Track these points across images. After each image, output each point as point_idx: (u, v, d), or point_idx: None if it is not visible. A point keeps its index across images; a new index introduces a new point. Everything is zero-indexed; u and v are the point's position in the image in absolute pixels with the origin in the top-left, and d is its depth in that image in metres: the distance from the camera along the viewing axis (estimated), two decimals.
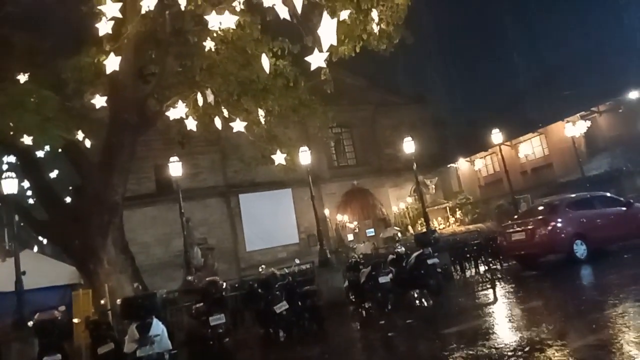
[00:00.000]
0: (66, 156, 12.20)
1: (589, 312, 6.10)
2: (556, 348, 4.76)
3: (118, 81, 9.32)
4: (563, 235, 10.63)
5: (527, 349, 4.84)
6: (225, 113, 9.02)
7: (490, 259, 12.99)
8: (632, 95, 18.91)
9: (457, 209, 26.76)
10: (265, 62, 6.42)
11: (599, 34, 27.27)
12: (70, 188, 15.69)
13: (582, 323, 5.66)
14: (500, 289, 9.56)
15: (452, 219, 26.43)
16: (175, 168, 11.95)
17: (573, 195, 12.13)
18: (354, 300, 10.44)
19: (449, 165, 29.06)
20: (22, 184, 13.91)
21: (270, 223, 24.46)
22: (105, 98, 8.14)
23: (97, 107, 8.13)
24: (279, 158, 10.12)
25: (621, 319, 5.46)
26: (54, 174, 17.37)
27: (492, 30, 36.06)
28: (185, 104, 8.58)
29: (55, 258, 16.83)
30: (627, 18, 26.15)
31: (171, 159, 11.97)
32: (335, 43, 5.03)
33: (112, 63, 6.43)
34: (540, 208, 11.95)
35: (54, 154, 12.84)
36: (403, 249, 10.63)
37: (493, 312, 7.51)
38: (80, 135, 9.59)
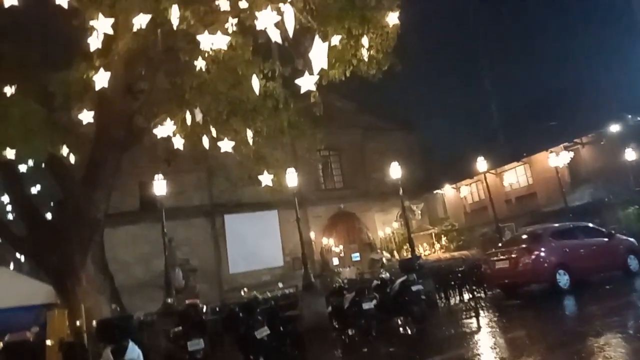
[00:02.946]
0: (49, 171, 11.98)
1: (572, 343, 6.08)
2: None
3: (106, 97, 9.24)
4: (546, 264, 10.68)
5: None
6: (214, 132, 8.97)
7: (474, 287, 12.96)
8: (613, 128, 19.40)
9: (442, 236, 26.82)
10: (256, 83, 6.45)
11: (582, 68, 28.15)
12: (52, 203, 15.39)
13: (565, 354, 5.63)
14: (484, 318, 9.51)
15: (437, 245, 26.44)
16: (160, 186, 11.80)
17: (556, 225, 12.25)
18: (337, 326, 10.27)
19: (435, 192, 29.24)
20: (2, 198, 13.60)
21: (255, 245, 24.19)
22: (92, 113, 8.06)
23: (84, 122, 8.04)
24: (266, 179, 10.06)
25: (603, 350, 5.46)
26: (35, 189, 17.03)
27: (478, 62, 37.00)
28: (173, 121, 8.52)
29: (32, 276, 16.32)
30: (607, 53, 27.13)
31: (156, 177, 11.82)
32: (326, 67, 5.08)
33: (101, 79, 6.40)
34: (524, 237, 12.03)
35: (37, 168, 12.61)
36: (388, 274, 10.56)
37: (477, 341, 7.44)
38: (65, 150, 9.45)
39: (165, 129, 8.27)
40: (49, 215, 13.85)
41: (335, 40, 7.01)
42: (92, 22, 6.13)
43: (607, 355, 5.25)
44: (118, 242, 20.34)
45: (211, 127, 9.06)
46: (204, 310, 8.70)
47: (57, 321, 10.34)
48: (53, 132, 9.14)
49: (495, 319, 9.42)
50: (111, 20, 5.95)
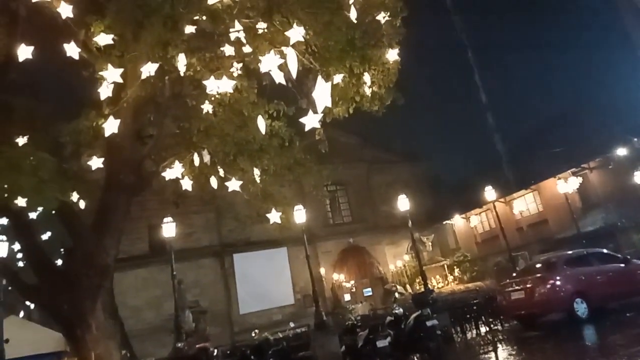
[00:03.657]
0: (58, 217, 12.08)
1: None
2: None
3: (115, 143, 9.43)
4: (562, 293, 10.44)
5: None
6: (221, 172, 9.08)
7: (490, 319, 12.64)
8: (620, 151, 19.34)
9: (455, 267, 26.40)
10: (261, 123, 6.56)
11: (583, 91, 28.41)
12: (62, 250, 15.42)
13: None
14: (503, 351, 9.24)
15: (450, 277, 26.00)
16: (169, 229, 11.82)
17: (570, 252, 12.04)
18: None
19: (444, 222, 28.99)
20: (13, 246, 13.66)
21: (265, 283, 23.94)
22: (102, 160, 8.20)
23: (94, 168, 8.18)
24: (274, 216, 10.07)
25: None
26: (46, 236, 17.12)
27: (483, 89, 37.46)
28: (181, 164, 8.65)
29: (42, 324, 16.20)
30: (608, 76, 27.44)
31: (165, 219, 11.87)
32: (329, 105, 5.18)
33: (111, 126, 6.55)
34: (538, 266, 11.82)
35: (47, 216, 12.71)
36: (401, 310, 10.38)
37: None
38: (75, 197, 9.55)
39: (173, 172, 8.39)
40: (59, 262, 13.86)
41: (338, 79, 7.18)
42: (101, 73, 6.35)
43: None
44: (128, 287, 20.25)
45: (219, 167, 9.18)
46: (215, 354, 8.54)
47: None
48: (64, 180, 9.27)
49: (514, 352, 9.15)
50: (120, 70, 6.15)
